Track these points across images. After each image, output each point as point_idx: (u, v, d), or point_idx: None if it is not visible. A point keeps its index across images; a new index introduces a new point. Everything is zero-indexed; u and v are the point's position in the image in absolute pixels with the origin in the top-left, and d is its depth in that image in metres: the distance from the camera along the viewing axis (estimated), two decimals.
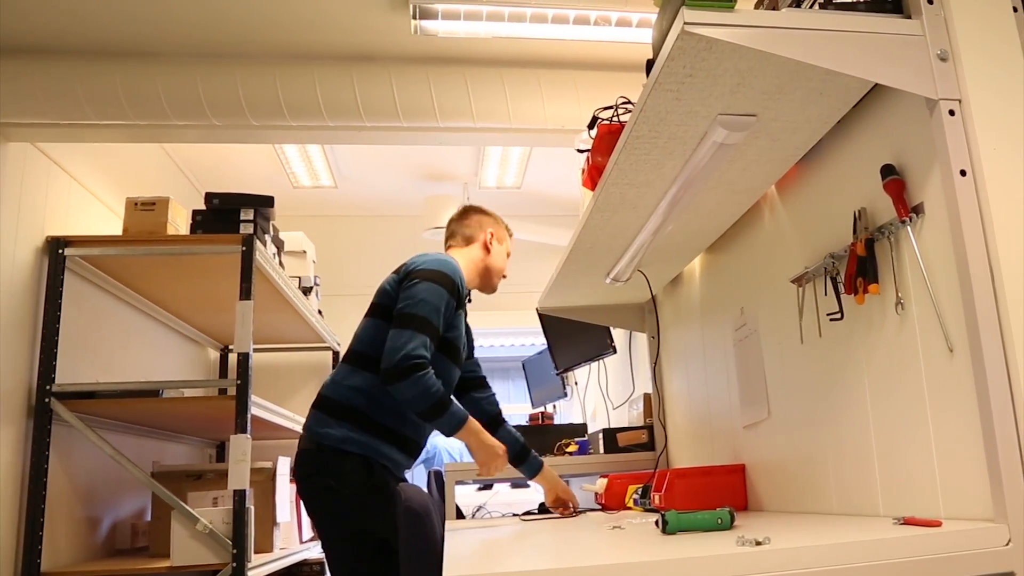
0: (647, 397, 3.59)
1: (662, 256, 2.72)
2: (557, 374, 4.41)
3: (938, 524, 1.35)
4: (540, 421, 4.34)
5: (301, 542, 3.86)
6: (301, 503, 2.48)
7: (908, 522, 1.43)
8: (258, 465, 3.34)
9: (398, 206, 5.39)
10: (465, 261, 2.64)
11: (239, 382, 3.05)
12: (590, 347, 3.90)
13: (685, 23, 1.39)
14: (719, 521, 1.62)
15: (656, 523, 1.67)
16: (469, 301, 2.63)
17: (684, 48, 1.45)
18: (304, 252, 4.35)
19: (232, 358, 4.61)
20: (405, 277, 2.41)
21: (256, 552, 3.10)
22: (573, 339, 4.02)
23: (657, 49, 1.57)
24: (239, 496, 2.93)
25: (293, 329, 4.56)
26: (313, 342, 4.95)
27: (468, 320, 2.67)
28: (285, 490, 3.54)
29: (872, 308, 1.74)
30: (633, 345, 3.93)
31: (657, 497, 2.45)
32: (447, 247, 2.73)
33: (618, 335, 3.82)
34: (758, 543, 1.27)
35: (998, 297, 1.38)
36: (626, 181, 2.03)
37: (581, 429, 4.04)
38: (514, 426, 3.98)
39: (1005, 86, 1.49)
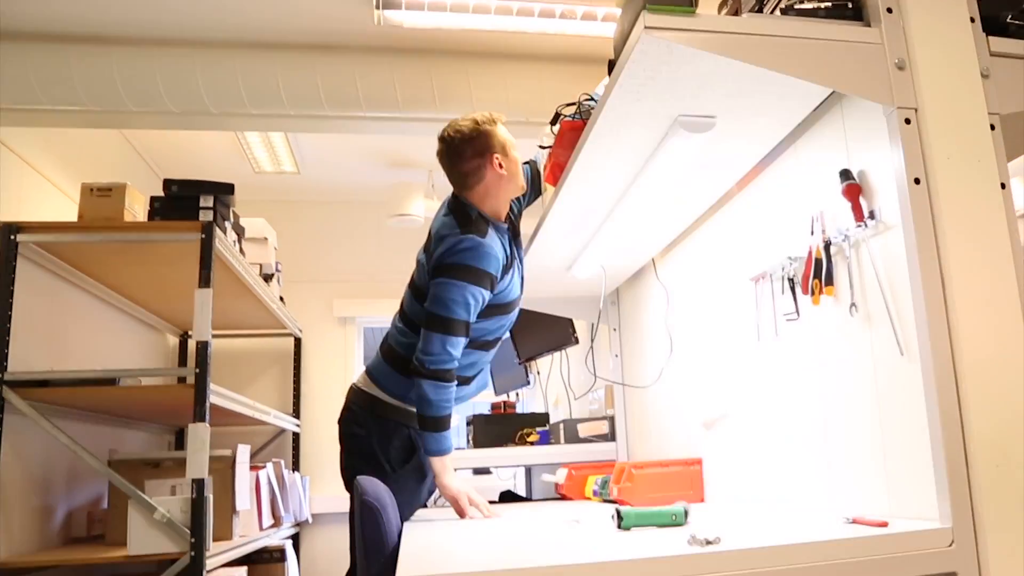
0: (608, 388, 3.62)
1: (623, 251, 2.74)
2: (519, 364, 4.42)
3: (884, 525, 1.38)
4: (503, 409, 4.35)
5: (261, 529, 3.84)
6: None
7: (856, 522, 1.47)
8: (217, 453, 3.30)
9: (362, 192, 5.34)
10: (488, 199, 2.35)
11: (198, 371, 3.02)
12: (553, 337, 3.91)
13: (646, 26, 1.39)
14: (674, 517, 1.65)
15: (612, 517, 1.69)
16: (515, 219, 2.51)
17: (645, 51, 1.45)
18: (265, 239, 4.30)
19: (192, 344, 4.56)
20: (433, 270, 2.28)
21: (215, 540, 3.08)
22: (536, 329, 4.03)
23: (618, 50, 1.57)
24: (198, 485, 2.91)
25: (254, 315, 4.51)
26: (274, 328, 4.91)
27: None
28: (245, 477, 3.51)
29: (827, 310, 1.77)
30: (596, 335, 3.95)
31: (616, 489, 2.47)
32: (460, 192, 2.39)
33: (581, 325, 3.83)
34: (708, 542, 1.29)
35: (948, 303, 1.41)
36: (587, 178, 2.04)
37: (543, 418, 4.06)
38: (476, 415, 4.00)
39: (960, 96, 1.51)
